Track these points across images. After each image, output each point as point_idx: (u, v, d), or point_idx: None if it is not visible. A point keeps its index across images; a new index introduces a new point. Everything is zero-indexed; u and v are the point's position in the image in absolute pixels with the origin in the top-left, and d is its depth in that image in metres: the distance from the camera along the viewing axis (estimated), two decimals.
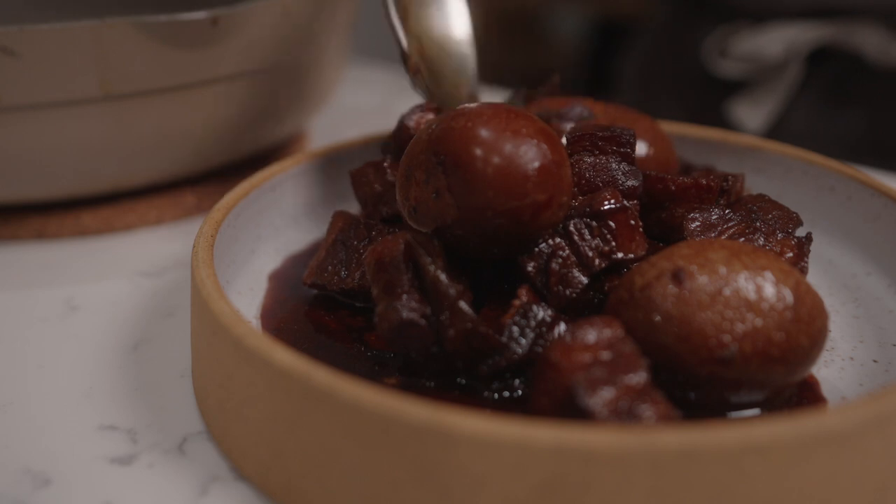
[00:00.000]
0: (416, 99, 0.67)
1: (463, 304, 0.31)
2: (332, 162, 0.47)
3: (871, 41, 0.64)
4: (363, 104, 0.76)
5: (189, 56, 0.46)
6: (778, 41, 0.68)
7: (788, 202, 0.41)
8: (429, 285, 0.32)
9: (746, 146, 0.47)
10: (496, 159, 0.32)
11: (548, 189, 0.33)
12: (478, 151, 0.32)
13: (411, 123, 0.41)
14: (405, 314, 0.31)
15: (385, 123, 0.53)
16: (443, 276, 0.32)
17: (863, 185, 0.42)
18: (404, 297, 0.32)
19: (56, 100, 0.44)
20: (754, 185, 0.46)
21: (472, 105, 0.35)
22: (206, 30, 0.46)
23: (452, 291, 0.31)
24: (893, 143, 0.66)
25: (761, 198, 0.38)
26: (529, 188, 0.32)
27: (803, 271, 0.35)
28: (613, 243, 0.34)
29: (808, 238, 0.36)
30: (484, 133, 0.33)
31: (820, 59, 0.67)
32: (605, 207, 0.35)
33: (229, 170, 0.55)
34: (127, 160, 0.48)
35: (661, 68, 0.80)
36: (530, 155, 0.32)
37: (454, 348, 0.31)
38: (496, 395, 0.32)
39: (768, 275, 0.30)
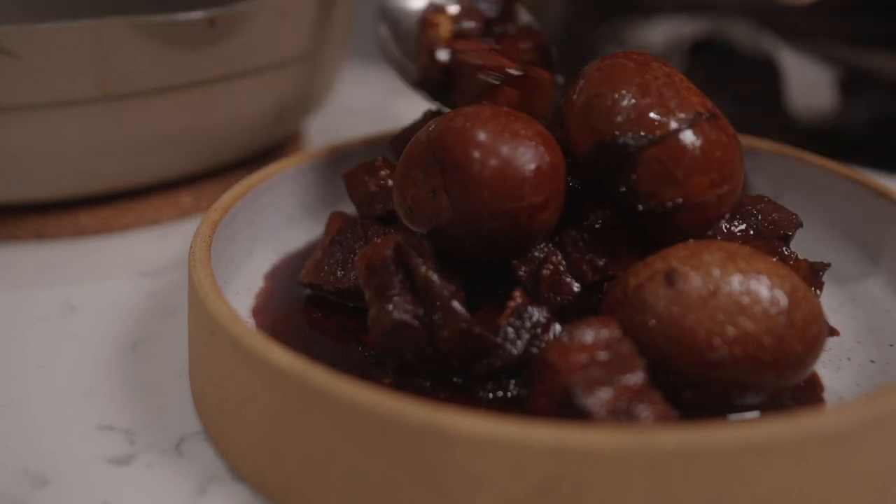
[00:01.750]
0: (414, 99, 0.67)
1: (456, 304, 0.31)
2: (330, 162, 0.47)
3: (741, 34, 0.70)
4: (361, 104, 0.76)
5: (187, 56, 0.46)
6: (661, 34, 0.73)
7: (786, 202, 0.41)
8: (420, 286, 0.32)
9: (744, 147, 0.47)
10: (493, 161, 0.32)
11: (544, 191, 0.33)
12: (475, 153, 0.32)
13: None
14: (397, 316, 0.31)
15: (383, 124, 0.53)
16: (434, 277, 0.32)
17: (860, 185, 0.42)
18: (396, 298, 0.32)
19: (55, 100, 0.44)
20: (751, 185, 0.46)
21: (472, 106, 0.35)
22: (203, 30, 0.46)
23: (445, 292, 0.31)
24: (762, 121, 0.69)
25: (760, 199, 0.38)
26: (526, 190, 0.32)
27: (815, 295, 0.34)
28: (607, 260, 0.34)
29: (823, 266, 0.36)
30: (482, 134, 0.33)
31: (700, 51, 0.73)
32: (602, 224, 0.35)
33: (227, 170, 0.55)
34: (125, 160, 0.48)
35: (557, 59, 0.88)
36: (527, 157, 0.32)
37: (449, 349, 0.31)
38: (491, 395, 0.32)
39: (763, 278, 0.30)
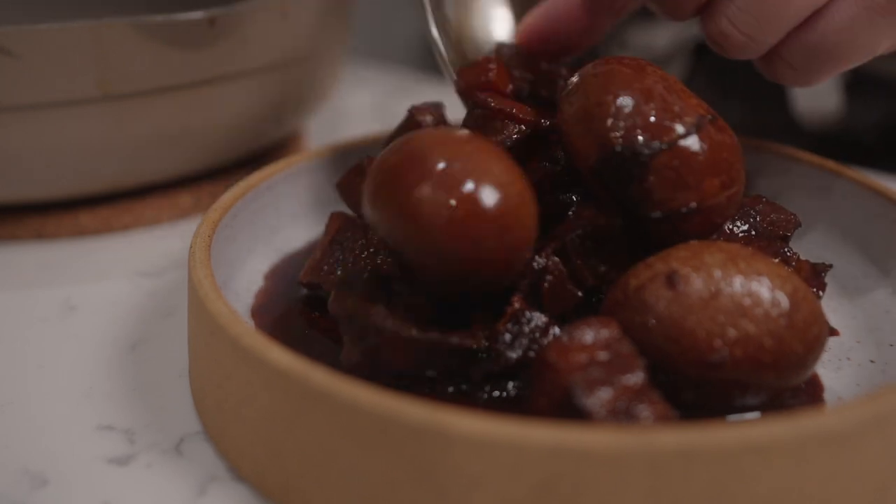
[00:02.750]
0: (414, 98, 0.66)
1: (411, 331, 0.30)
2: (330, 162, 0.47)
3: None
4: (361, 104, 0.76)
5: (187, 56, 0.46)
6: (664, 35, 0.72)
7: (785, 202, 0.41)
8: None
9: (743, 147, 0.47)
10: (450, 201, 0.29)
11: (509, 240, 0.30)
12: (425, 190, 0.29)
13: (421, 117, 0.40)
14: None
15: (383, 123, 0.53)
16: (386, 324, 0.31)
17: (860, 185, 0.42)
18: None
19: (55, 100, 0.44)
20: (751, 185, 0.46)
21: (427, 131, 0.32)
22: (203, 30, 0.46)
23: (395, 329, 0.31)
24: (769, 125, 0.70)
25: (759, 200, 0.38)
26: (487, 242, 0.29)
27: (818, 296, 0.34)
28: (609, 266, 0.34)
29: (825, 267, 0.36)
30: (436, 168, 0.29)
31: (705, 51, 0.72)
32: (603, 229, 0.34)
33: (227, 170, 0.55)
34: (125, 160, 0.48)
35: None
36: (492, 198, 0.29)
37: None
38: (489, 395, 0.32)
39: (764, 280, 0.30)
